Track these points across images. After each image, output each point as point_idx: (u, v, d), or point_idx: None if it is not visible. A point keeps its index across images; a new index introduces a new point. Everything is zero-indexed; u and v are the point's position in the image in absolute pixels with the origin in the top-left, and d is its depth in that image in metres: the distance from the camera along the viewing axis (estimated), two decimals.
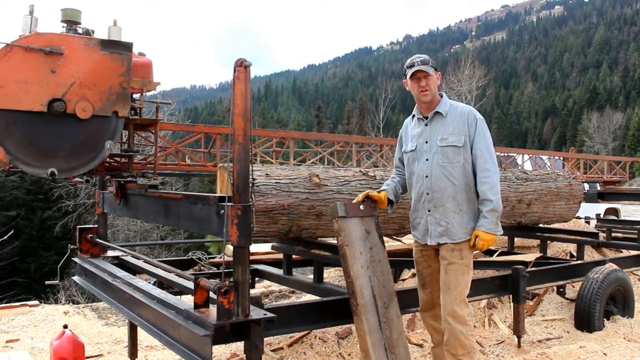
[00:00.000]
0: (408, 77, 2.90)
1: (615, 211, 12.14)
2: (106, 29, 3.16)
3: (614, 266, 4.61)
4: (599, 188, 10.16)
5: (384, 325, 2.79)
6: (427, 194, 2.89)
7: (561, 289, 4.98)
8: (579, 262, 4.84)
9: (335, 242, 3.97)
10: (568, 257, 5.69)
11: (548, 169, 10.30)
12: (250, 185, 2.32)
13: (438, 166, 2.86)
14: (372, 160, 8.76)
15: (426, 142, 2.93)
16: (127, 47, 3.06)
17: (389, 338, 2.78)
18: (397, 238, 4.69)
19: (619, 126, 58.23)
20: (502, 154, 10.61)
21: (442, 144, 2.87)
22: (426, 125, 2.95)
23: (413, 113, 3.06)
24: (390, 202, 3.06)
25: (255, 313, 2.36)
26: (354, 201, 2.99)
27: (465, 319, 2.80)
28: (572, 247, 5.82)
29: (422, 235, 2.98)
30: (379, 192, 3.04)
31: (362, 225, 2.93)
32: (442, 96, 2.97)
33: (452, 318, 2.79)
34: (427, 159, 2.90)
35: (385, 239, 3.31)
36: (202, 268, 4.27)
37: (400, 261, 4.29)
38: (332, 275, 6.55)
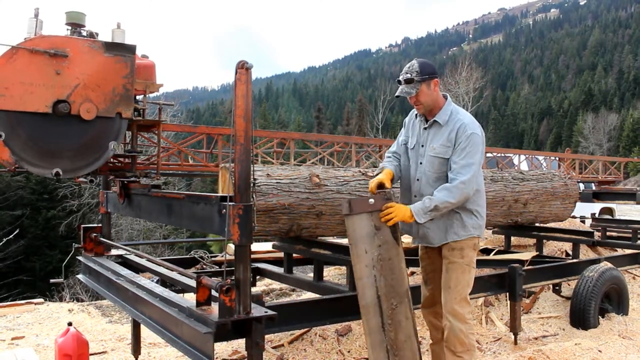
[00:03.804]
0: None
1: (610, 210, 12.21)
2: (110, 32, 3.20)
3: (609, 265, 4.66)
4: (594, 188, 10.24)
5: (388, 326, 2.67)
6: (418, 197, 2.90)
7: (557, 287, 5.04)
8: (575, 260, 4.90)
9: (334, 241, 4.01)
10: (564, 256, 5.75)
11: (544, 169, 10.36)
12: (252, 185, 2.34)
13: (426, 173, 2.89)
14: (371, 160, 8.82)
15: (422, 146, 2.95)
16: (131, 49, 3.08)
17: (394, 340, 2.67)
18: None
19: (613, 127, 58.25)
20: (499, 155, 10.68)
21: (431, 153, 2.88)
22: (425, 129, 2.96)
23: None
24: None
25: (257, 311, 2.38)
26: (373, 185, 2.80)
27: (465, 317, 2.82)
28: (567, 246, 5.88)
29: (421, 239, 3.00)
30: (382, 170, 2.95)
31: (370, 221, 2.70)
32: (446, 98, 2.94)
33: (452, 316, 2.81)
34: (420, 163, 2.93)
35: None
36: (204, 266, 4.29)
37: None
38: (332, 274, 6.58)
